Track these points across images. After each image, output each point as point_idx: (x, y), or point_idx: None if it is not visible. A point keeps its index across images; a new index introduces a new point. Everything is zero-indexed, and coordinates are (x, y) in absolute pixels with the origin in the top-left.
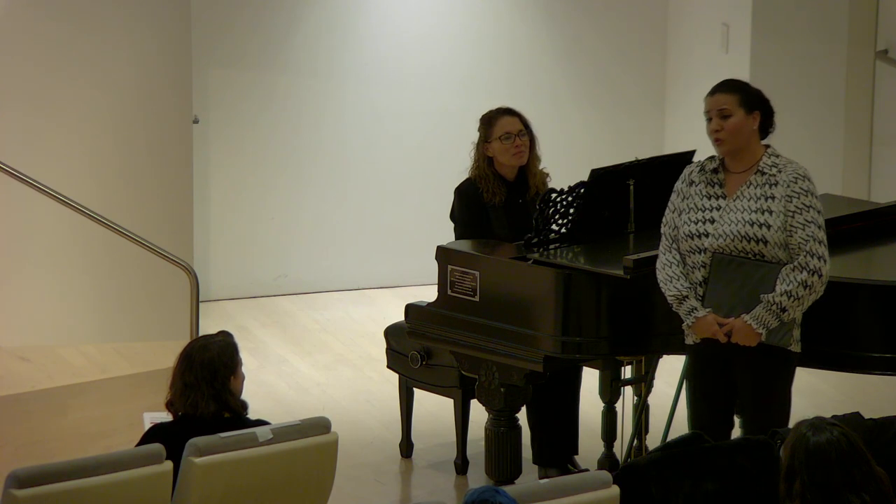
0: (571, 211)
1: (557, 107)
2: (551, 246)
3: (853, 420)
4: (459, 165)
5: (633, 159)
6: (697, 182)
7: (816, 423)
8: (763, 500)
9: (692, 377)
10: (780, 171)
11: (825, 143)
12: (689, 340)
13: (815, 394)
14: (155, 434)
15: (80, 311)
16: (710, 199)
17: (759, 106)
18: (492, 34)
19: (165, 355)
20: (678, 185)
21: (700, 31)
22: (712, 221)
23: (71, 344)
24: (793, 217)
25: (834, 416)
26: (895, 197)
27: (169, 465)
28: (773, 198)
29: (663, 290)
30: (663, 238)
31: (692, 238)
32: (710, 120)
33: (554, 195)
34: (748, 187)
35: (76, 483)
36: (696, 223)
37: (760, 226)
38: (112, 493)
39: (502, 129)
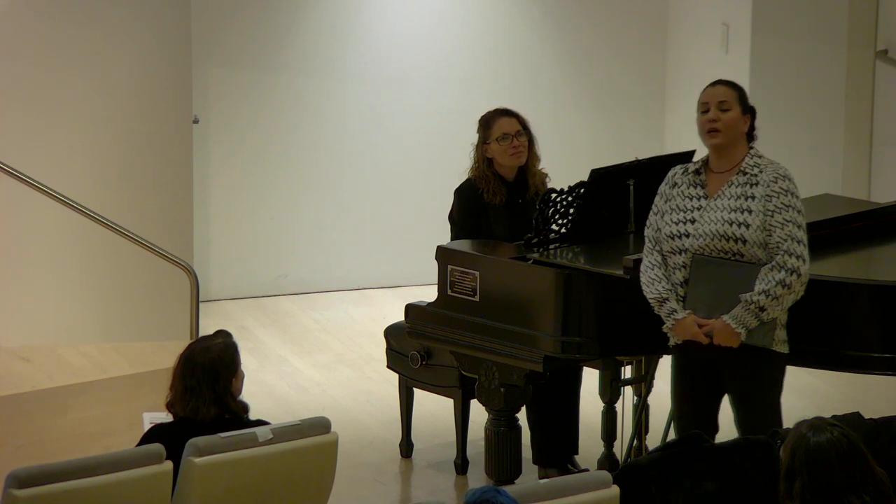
0: (571, 211)
1: (557, 107)
2: (551, 246)
3: (853, 420)
4: (459, 166)
5: (633, 159)
6: (680, 184)
7: (816, 424)
8: (763, 500)
9: (677, 379)
10: (761, 172)
11: (825, 143)
12: (672, 342)
13: (815, 394)
14: (155, 434)
15: (80, 311)
16: (692, 199)
17: (751, 110)
18: (492, 34)
19: (165, 355)
20: (661, 187)
21: (700, 31)
22: (693, 221)
23: (71, 344)
24: (772, 216)
25: (834, 416)
26: (895, 197)
27: (169, 465)
28: (752, 197)
29: (645, 292)
30: (646, 241)
31: (673, 239)
32: (705, 112)
33: (554, 195)
34: (729, 187)
35: (76, 483)
36: (678, 224)
37: (739, 225)
38: (112, 493)
39: (500, 130)
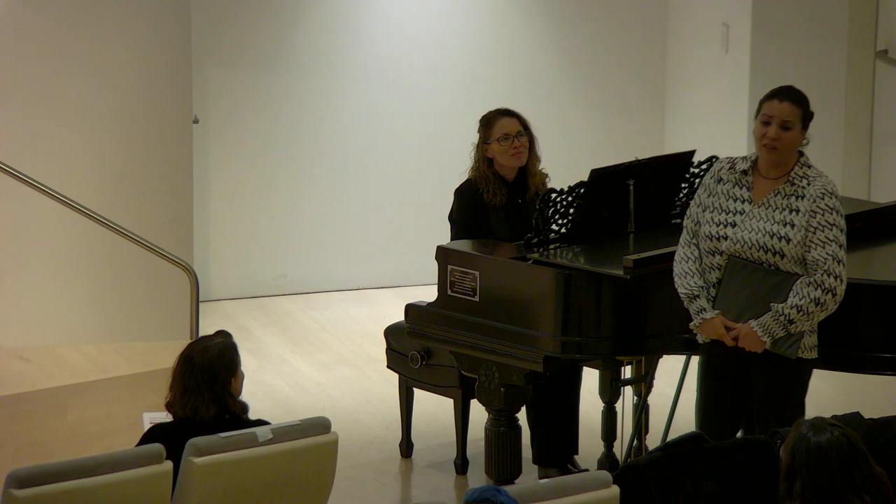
0: (571, 211)
1: (557, 107)
2: (551, 246)
3: (853, 420)
4: (459, 166)
5: (633, 159)
6: (726, 181)
7: (816, 424)
8: (763, 500)
9: (704, 376)
10: (808, 185)
11: (825, 143)
12: (700, 339)
13: (815, 394)
14: (155, 435)
15: (80, 311)
16: (735, 201)
17: (808, 124)
18: (492, 34)
19: (165, 355)
20: (706, 179)
21: (700, 31)
22: (733, 225)
23: (71, 344)
24: (814, 233)
25: (834, 416)
26: (895, 197)
27: (169, 465)
28: (797, 211)
29: (677, 284)
30: (684, 231)
31: (711, 239)
32: (766, 124)
33: (554, 195)
34: (775, 196)
35: (76, 483)
36: (718, 225)
37: (780, 238)
38: (112, 493)
39: (501, 130)
